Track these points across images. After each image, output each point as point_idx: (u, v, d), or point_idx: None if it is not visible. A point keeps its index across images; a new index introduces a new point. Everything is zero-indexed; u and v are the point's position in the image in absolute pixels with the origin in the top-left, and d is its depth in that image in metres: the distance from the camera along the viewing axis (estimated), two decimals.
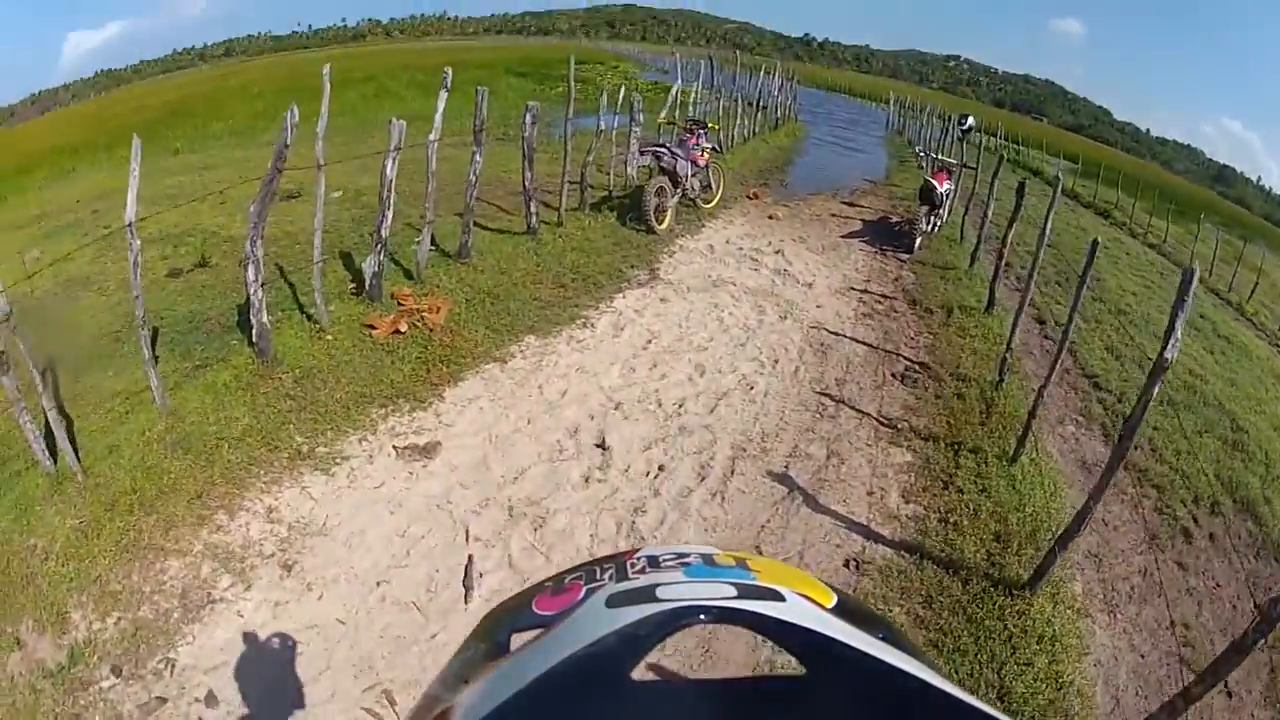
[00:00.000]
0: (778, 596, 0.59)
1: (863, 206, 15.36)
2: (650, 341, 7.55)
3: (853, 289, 9.92)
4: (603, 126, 10.89)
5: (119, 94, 73.44)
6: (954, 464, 5.91)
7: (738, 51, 16.29)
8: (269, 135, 17.14)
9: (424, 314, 6.97)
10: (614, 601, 0.59)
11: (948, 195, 12.21)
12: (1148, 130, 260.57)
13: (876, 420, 6.56)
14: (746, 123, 20.06)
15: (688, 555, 0.68)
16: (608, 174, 11.83)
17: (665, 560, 0.67)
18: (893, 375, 7.56)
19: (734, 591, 0.59)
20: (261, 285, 5.68)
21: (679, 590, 0.59)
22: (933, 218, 12.00)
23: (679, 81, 14.23)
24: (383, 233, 6.81)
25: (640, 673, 0.52)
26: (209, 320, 6.68)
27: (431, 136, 7.30)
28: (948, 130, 24.81)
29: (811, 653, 0.54)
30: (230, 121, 26.09)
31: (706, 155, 11.64)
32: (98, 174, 18.15)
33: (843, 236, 12.53)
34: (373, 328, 6.62)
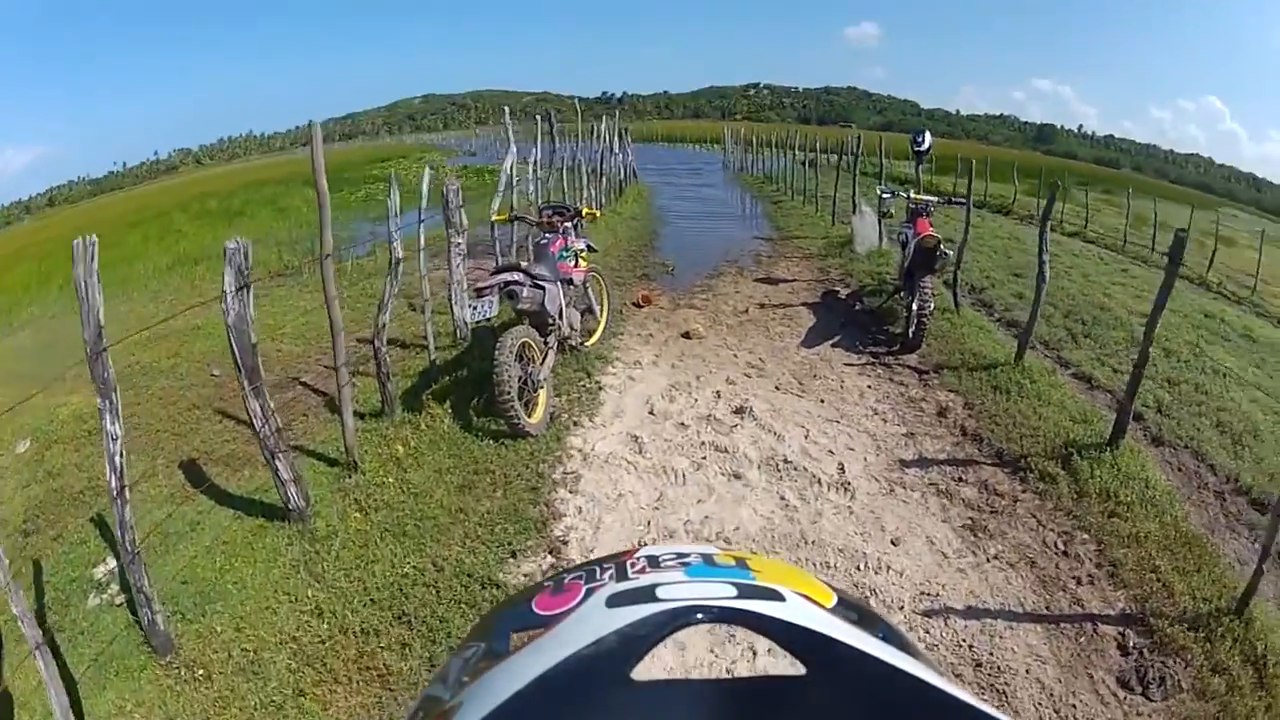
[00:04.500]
0: (778, 596, 0.59)
1: (786, 280, 11.20)
2: None
3: (904, 466, 5.61)
4: (397, 249, 6.19)
5: None
6: None
7: (539, 119, 11.43)
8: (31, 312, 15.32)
9: None
10: (614, 601, 0.58)
11: (949, 254, 8.03)
12: (957, 111, 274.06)
13: None
14: (593, 193, 15.88)
15: (688, 555, 0.67)
16: (424, 309, 7.16)
17: (665, 560, 0.66)
18: (1119, 681, 3.70)
19: (734, 591, 0.59)
20: None
21: (679, 590, 0.59)
22: (926, 288, 7.72)
23: (511, 151, 9.60)
24: None
25: (640, 673, 0.51)
26: None
27: None
28: (808, 162, 21.85)
29: (812, 652, 0.53)
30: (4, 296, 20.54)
31: (583, 264, 7.22)
32: None
33: (803, 344, 8.25)
34: None
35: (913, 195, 8.98)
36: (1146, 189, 34.28)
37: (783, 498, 5.15)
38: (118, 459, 3.78)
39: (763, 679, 0.52)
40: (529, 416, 5.85)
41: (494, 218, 8.10)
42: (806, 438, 5.95)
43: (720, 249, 13.86)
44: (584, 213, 7.40)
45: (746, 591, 0.59)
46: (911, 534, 4.74)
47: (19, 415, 6.99)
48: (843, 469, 5.49)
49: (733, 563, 0.66)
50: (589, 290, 7.63)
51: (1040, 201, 24.39)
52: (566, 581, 0.65)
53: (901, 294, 8.43)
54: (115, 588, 4.57)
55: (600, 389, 6.82)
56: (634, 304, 9.69)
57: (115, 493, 3.79)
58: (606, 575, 0.64)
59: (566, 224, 7.07)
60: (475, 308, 5.81)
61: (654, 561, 0.66)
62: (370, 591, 4.39)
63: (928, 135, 10.53)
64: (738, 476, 5.39)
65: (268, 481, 5.07)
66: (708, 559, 0.66)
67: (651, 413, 6.39)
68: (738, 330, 8.67)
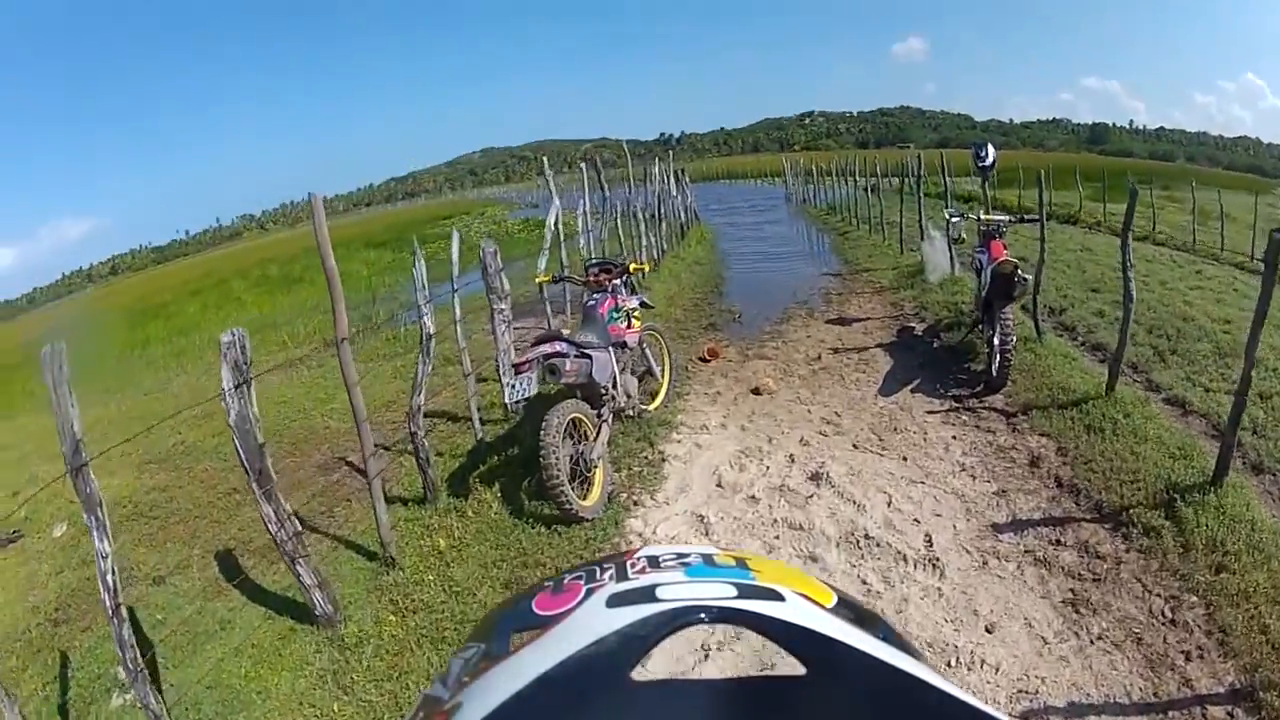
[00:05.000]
0: (778, 596, 0.59)
1: (858, 319, 10.47)
2: None
3: (997, 531, 4.88)
4: (428, 324, 5.71)
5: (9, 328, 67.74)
6: None
7: (584, 166, 10.86)
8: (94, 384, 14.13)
9: None
10: (614, 601, 0.59)
11: (1027, 279, 7.26)
12: (1010, 119, 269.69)
13: None
14: (653, 240, 15.35)
15: (688, 555, 0.68)
16: (468, 384, 6.69)
17: (665, 560, 0.67)
18: None
19: (734, 591, 0.59)
20: None
21: (679, 590, 0.59)
22: (1008, 320, 6.97)
23: (555, 204, 9.12)
24: None
25: (640, 673, 0.52)
26: None
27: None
28: (870, 188, 20.94)
29: (812, 652, 0.54)
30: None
31: (636, 324, 6.61)
32: None
33: (880, 392, 7.51)
34: None
35: (982, 216, 8.24)
36: (1203, 179, 32.84)
37: (864, 581, 4.47)
38: (109, 577, 3.49)
39: (763, 679, 0.53)
40: (584, 499, 5.28)
41: (537, 279, 7.55)
42: (889, 505, 5.26)
43: (788, 289, 13.19)
44: (632, 268, 6.82)
45: (746, 591, 0.59)
46: (1008, 617, 4.06)
47: (58, 497, 6.73)
48: (930, 541, 4.80)
49: (733, 563, 0.67)
50: (647, 351, 7.06)
51: (1107, 206, 23.47)
52: (566, 582, 0.65)
53: (981, 326, 7.70)
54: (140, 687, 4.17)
55: (664, 460, 6.21)
56: (700, 359, 9.07)
57: (110, 611, 3.51)
58: (606, 575, 0.64)
59: (615, 281, 6.52)
60: (513, 386, 5.25)
61: (654, 562, 0.67)
62: (402, 706, 3.91)
63: (991, 149, 9.72)
64: (814, 559, 4.73)
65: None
66: (708, 559, 0.67)
67: (719, 485, 5.75)
68: (810, 381, 7.99)
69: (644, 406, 6.87)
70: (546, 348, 5.38)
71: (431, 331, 5.61)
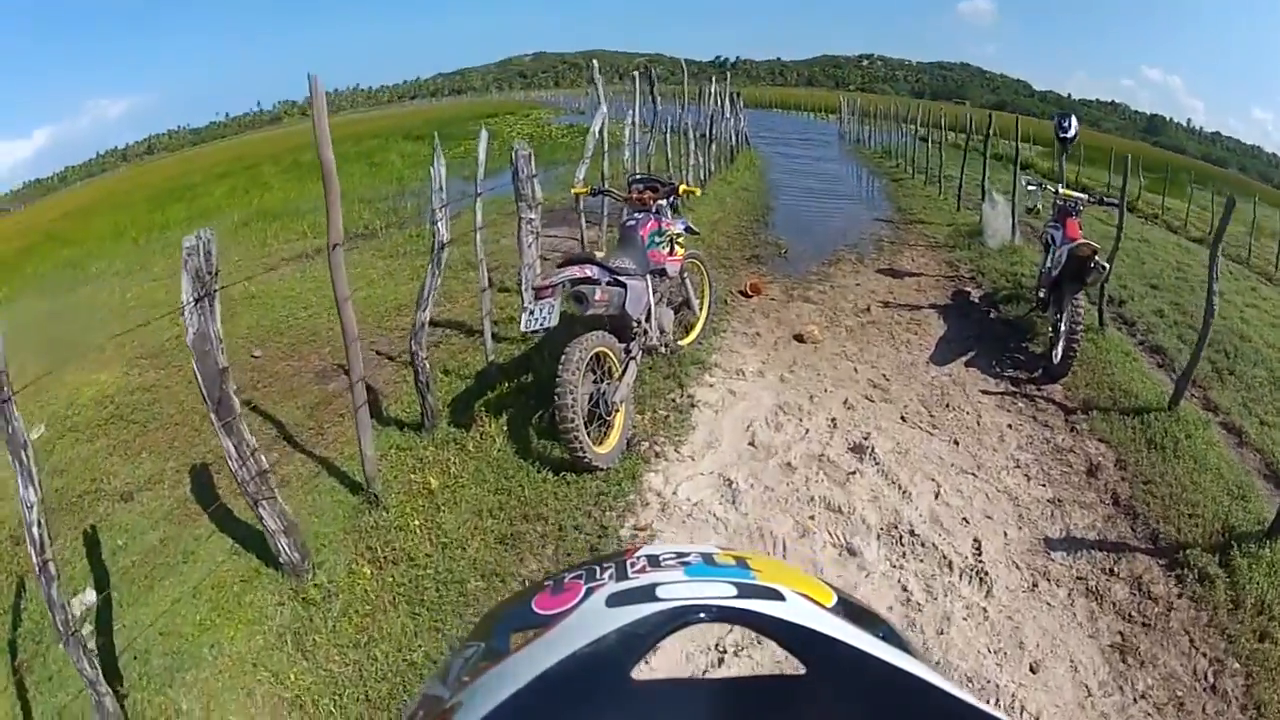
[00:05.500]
0: (778, 595, 0.59)
1: (910, 273, 9.68)
2: None
3: (1050, 548, 4.29)
4: (442, 231, 5.04)
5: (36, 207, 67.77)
6: None
7: (637, 77, 9.91)
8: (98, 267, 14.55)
9: None
10: (614, 601, 0.59)
11: (1105, 266, 6.52)
12: (1069, 95, 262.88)
13: None
14: (701, 160, 14.51)
15: (688, 554, 0.68)
16: (483, 300, 5.99)
17: (665, 559, 0.67)
18: None
19: (734, 591, 0.59)
20: None
21: (679, 589, 0.59)
22: (1079, 307, 6.29)
23: (601, 111, 8.34)
24: None
25: (640, 672, 0.51)
26: None
27: None
28: (929, 138, 20.12)
29: (812, 652, 0.54)
30: (78, 248, 20.19)
31: (679, 251, 5.90)
32: None
33: (932, 359, 6.82)
34: None
35: (1060, 190, 7.42)
36: (1252, 192, 31.49)
37: (905, 588, 3.90)
38: (35, 529, 2.87)
39: (763, 679, 0.53)
40: (600, 445, 4.67)
41: (574, 190, 6.80)
42: (937, 497, 4.64)
43: (838, 230, 12.39)
44: (682, 189, 6.03)
45: (746, 591, 0.59)
46: (1054, 656, 3.53)
47: (42, 392, 6.22)
48: (979, 548, 4.20)
49: (733, 562, 0.66)
50: (686, 281, 6.38)
51: (1165, 200, 22.36)
52: (566, 581, 0.65)
53: (1045, 306, 7.00)
54: (90, 627, 3.55)
55: (693, 406, 5.57)
56: (741, 293, 8.39)
57: (38, 570, 2.92)
58: (606, 575, 0.64)
59: (661, 201, 5.79)
60: (532, 313, 4.57)
61: (654, 561, 0.66)
62: (367, 682, 3.39)
63: (1074, 120, 8.84)
64: (852, 552, 4.14)
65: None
66: (708, 558, 0.67)
67: (753, 444, 5.13)
68: (858, 335, 7.31)
69: (677, 341, 6.23)
70: (575, 270, 4.68)
71: (445, 240, 4.94)
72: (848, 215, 14.28)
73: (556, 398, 4.34)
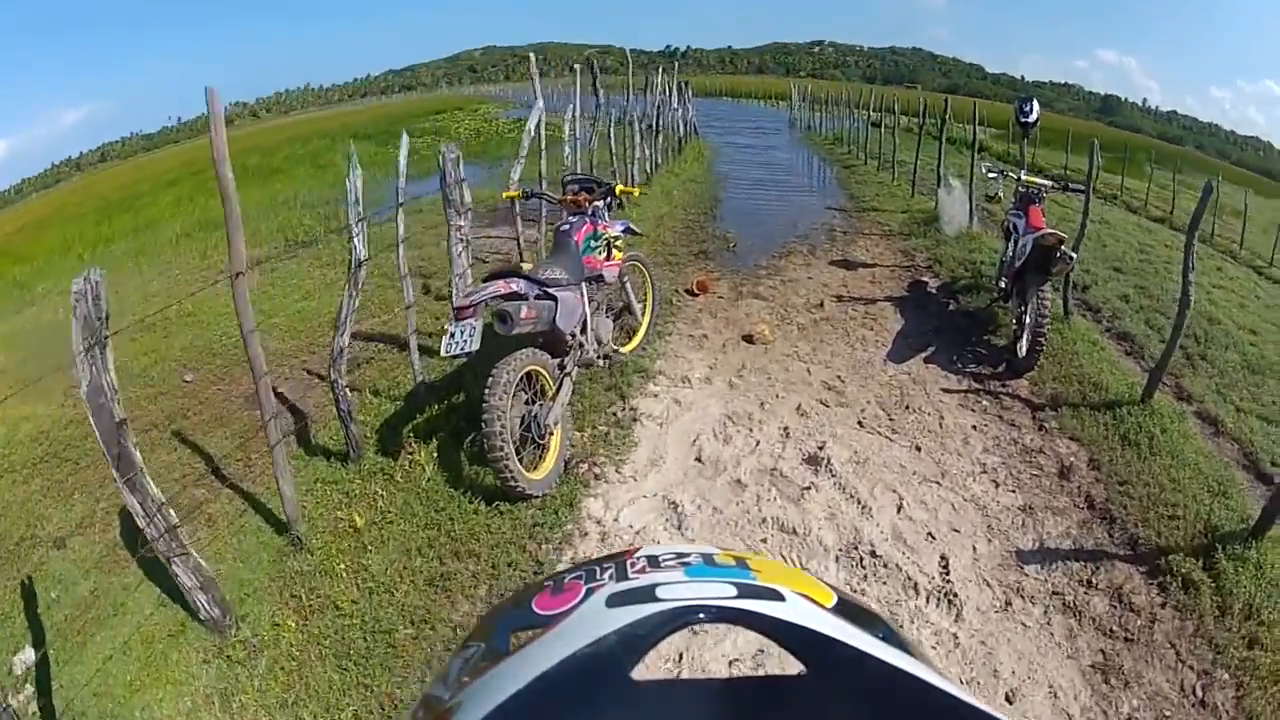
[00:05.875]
0: (778, 596, 0.59)
1: (865, 264, 9.43)
2: None
3: (1022, 560, 4.03)
4: (359, 248, 4.60)
5: None
6: None
7: (578, 69, 9.50)
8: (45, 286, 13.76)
9: None
10: (614, 601, 0.59)
11: (1072, 256, 6.31)
12: (1022, 77, 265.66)
13: None
14: (647, 152, 14.21)
15: (688, 555, 0.68)
16: (408, 317, 5.55)
17: (665, 560, 0.67)
18: None
19: (734, 591, 0.59)
20: None
21: (679, 590, 0.59)
22: (1045, 299, 6.02)
23: (538, 106, 7.92)
24: None
25: (640, 672, 0.51)
26: None
27: None
28: (881, 123, 19.83)
29: (812, 652, 0.54)
30: (27, 265, 19.45)
31: (617, 255, 5.55)
32: None
33: (890, 357, 6.53)
34: None
35: (1023, 177, 7.17)
36: (1210, 169, 31.85)
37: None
38: None
39: (763, 679, 0.53)
40: (534, 471, 4.33)
41: (506, 194, 6.32)
42: (899, 510, 4.36)
43: (789, 220, 12.11)
44: (618, 190, 5.66)
45: (746, 591, 0.59)
46: (1031, 681, 3.30)
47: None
48: (946, 566, 3.93)
49: (733, 562, 0.66)
50: (627, 285, 6.04)
51: (1124, 180, 22.36)
52: (566, 581, 0.65)
53: (1007, 298, 6.77)
54: (31, 689, 3.55)
55: (635, 420, 5.25)
56: (688, 291, 8.08)
57: None
58: (606, 575, 0.64)
59: (597, 203, 5.45)
60: (452, 335, 4.20)
61: (654, 561, 0.66)
62: None
63: (1036, 104, 8.59)
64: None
65: (204, 545, 3.80)
66: (708, 559, 0.67)
67: (699, 459, 4.82)
68: (811, 333, 7.02)
69: (618, 349, 5.90)
70: (498, 285, 4.34)
71: (362, 257, 4.56)
72: (798, 205, 14.01)
73: (484, 424, 4.00)
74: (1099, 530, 4.23)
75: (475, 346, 4.17)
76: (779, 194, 15.53)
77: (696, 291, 8.06)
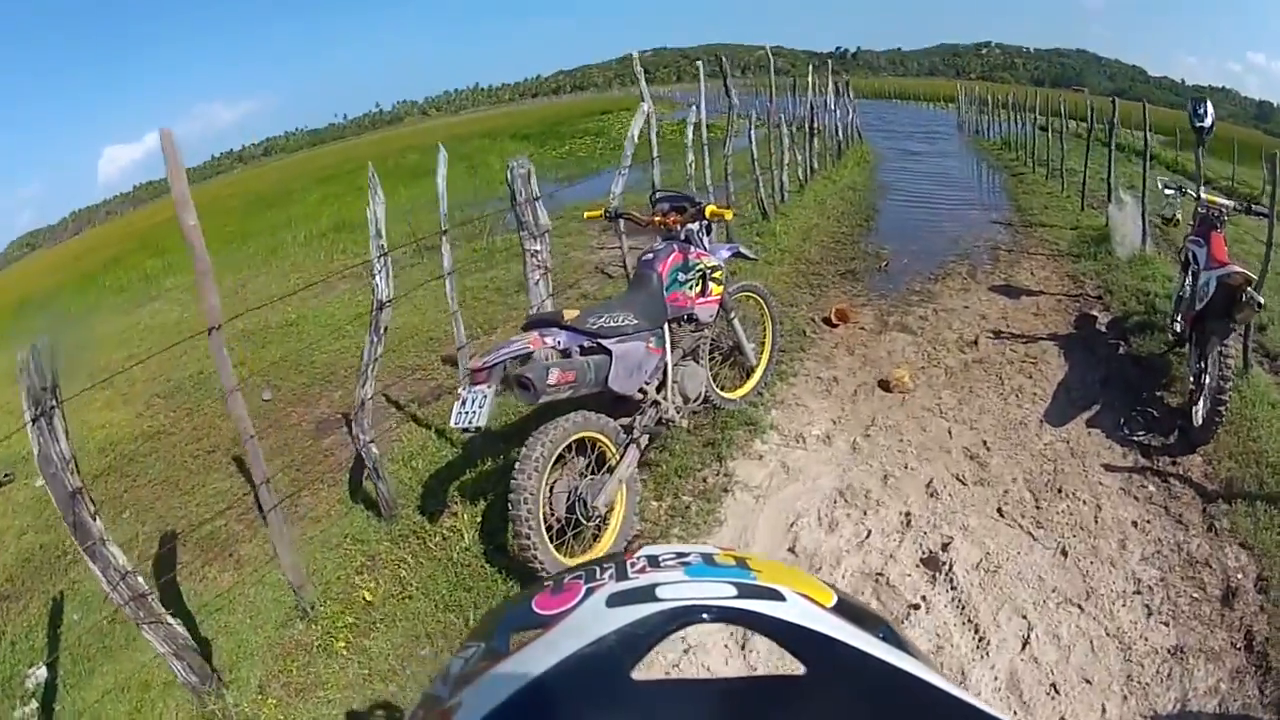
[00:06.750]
0: (778, 596, 0.60)
1: (1029, 292, 8.15)
2: None
3: None
4: (381, 287, 3.96)
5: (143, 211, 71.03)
6: None
7: (701, 67, 8.72)
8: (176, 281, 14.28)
9: None
10: (614, 601, 0.60)
11: (1260, 302, 4.84)
12: (1183, 80, 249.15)
13: None
14: (798, 157, 13.31)
15: (688, 555, 0.69)
16: (458, 362, 4.88)
17: (665, 560, 0.68)
18: None
19: (734, 591, 0.60)
20: None
21: (679, 590, 0.60)
22: (1228, 354, 4.64)
23: (644, 107, 7.06)
24: None
25: (640, 672, 0.51)
26: None
27: None
28: (1049, 127, 18.51)
29: (812, 652, 0.54)
30: (163, 258, 20.22)
31: (715, 288, 4.63)
32: None
33: (1047, 416, 5.31)
34: None
35: (1202, 195, 5.76)
36: None
37: None
38: None
39: (763, 679, 0.55)
40: (575, 559, 3.52)
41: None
42: (1024, 647, 3.28)
43: (950, 236, 10.90)
44: (709, 212, 4.61)
45: (747, 591, 0.60)
46: None
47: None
48: None
49: (733, 562, 0.68)
50: (734, 323, 5.14)
51: None
52: (566, 581, 0.67)
53: (1181, 344, 5.55)
54: (35, 705, 3.75)
55: (727, 489, 4.37)
56: (825, 320, 7.13)
57: None
58: (606, 575, 0.65)
59: (690, 225, 4.58)
60: (463, 402, 3.43)
61: (654, 561, 0.68)
62: None
63: (1210, 107, 6.98)
64: None
65: (222, 592, 3.80)
66: (708, 558, 0.69)
67: (793, 550, 3.89)
68: (959, 379, 5.92)
69: (726, 395, 5.03)
70: (529, 340, 3.57)
71: (385, 298, 3.89)
72: (961, 217, 12.74)
73: (509, 507, 3.24)
74: (1250, 684, 3.04)
75: (482, 422, 3.39)
76: (942, 204, 14.34)
77: (835, 321, 7.11)
